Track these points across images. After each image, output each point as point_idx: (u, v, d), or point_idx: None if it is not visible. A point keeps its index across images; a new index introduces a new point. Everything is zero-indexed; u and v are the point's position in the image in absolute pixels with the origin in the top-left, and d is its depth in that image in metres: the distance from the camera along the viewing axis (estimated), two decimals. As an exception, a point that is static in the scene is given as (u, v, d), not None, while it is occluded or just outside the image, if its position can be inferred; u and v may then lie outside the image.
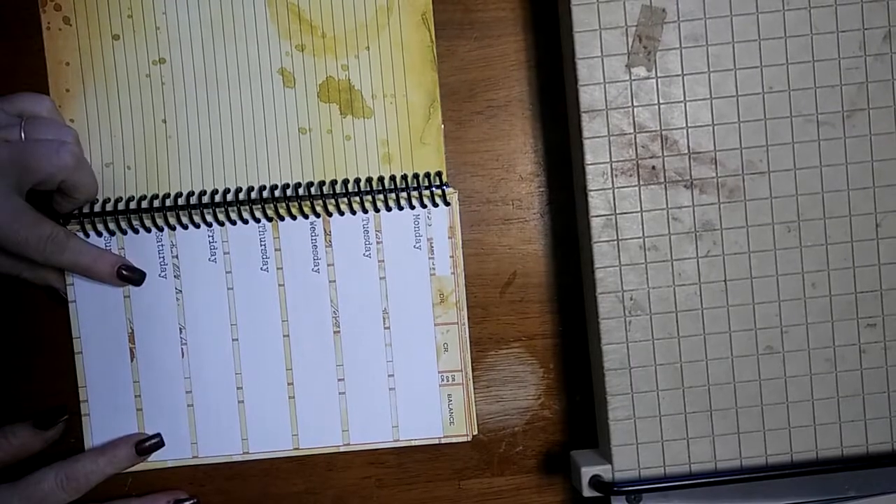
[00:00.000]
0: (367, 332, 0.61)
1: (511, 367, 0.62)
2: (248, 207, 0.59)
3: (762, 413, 0.57)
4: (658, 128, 0.56)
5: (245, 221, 0.60)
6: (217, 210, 0.59)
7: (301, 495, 0.62)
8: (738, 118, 0.56)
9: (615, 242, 0.56)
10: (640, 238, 0.56)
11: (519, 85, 0.61)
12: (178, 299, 0.60)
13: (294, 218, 0.60)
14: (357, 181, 0.60)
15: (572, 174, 0.60)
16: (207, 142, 0.60)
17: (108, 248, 0.59)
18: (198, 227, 0.60)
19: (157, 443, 0.60)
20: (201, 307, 0.60)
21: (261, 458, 0.61)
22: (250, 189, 0.60)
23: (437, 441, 0.61)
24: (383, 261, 0.60)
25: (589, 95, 0.56)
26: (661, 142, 0.56)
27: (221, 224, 0.60)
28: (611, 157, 0.56)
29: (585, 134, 0.56)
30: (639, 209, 0.56)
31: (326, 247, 0.60)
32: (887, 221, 0.56)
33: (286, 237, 0.60)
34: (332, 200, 0.59)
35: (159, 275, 0.60)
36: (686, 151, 0.56)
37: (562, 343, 0.62)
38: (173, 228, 0.59)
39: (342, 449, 0.61)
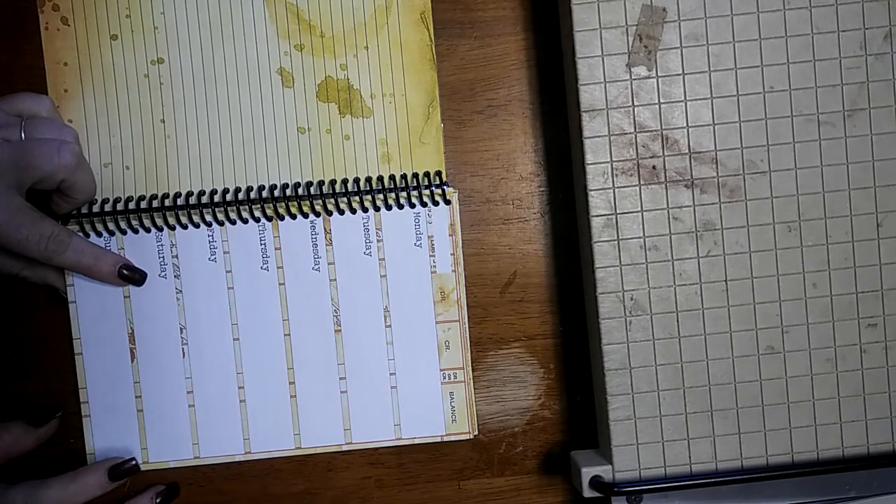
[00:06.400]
0: (369, 330, 0.61)
1: (511, 368, 0.62)
2: (247, 207, 0.59)
3: (763, 413, 0.57)
4: (659, 127, 0.56)
5: (245, 221, 0.59)
6: (217, 210, 0.59)
7: (301, 495, 0.62)
8: (739, 118, 0.56)
9: (616, 242, 0.56)
10: (640, 238, 0.56)
11: (519, 84, 0.61)
12: (178, 299, 0.60)
13: (294, 217, 0.60)
14: (357, 181, 0.60)
15: (572, 174, 0.60)
16: (206, 141, 0.60)
17: (108, 248, 0.59)
18: (198, 226, 0.59)
19: (133, 467, 0.59)
20: (202, 307, 0.60)
21: (262, 458, 0.61)
22: (250, 189, 0.60)
23: (439, 439, 0.61)
24: (384, 259, 0.60)
25: (589, 95, 0.56)
26: (662, 141, 0.56)
27: (221, 224, 0.59)
28: (611, 157, 0.56)
29: (586, 133, 0.56)
30: (639, 209, 0.56)
31: (327, 245, 0.60)
32: (888, 221, 0.56)
33: (286, 236, 0.60)
34: (332, 199, 0.59)
35: (159, 275, 0.60)
36: (687, 151, 0.56)
37: (562, 343, 0.62)
38: (173, 228, 0.59)
39: (344, 448, 0.61)
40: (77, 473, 0.57)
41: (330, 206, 0.59)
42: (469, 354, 0.61)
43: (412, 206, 0.60)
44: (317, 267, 0.60)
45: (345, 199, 0.59)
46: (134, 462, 0.59)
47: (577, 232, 0.61)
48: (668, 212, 0.56)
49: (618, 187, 0.56)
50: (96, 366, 0.60)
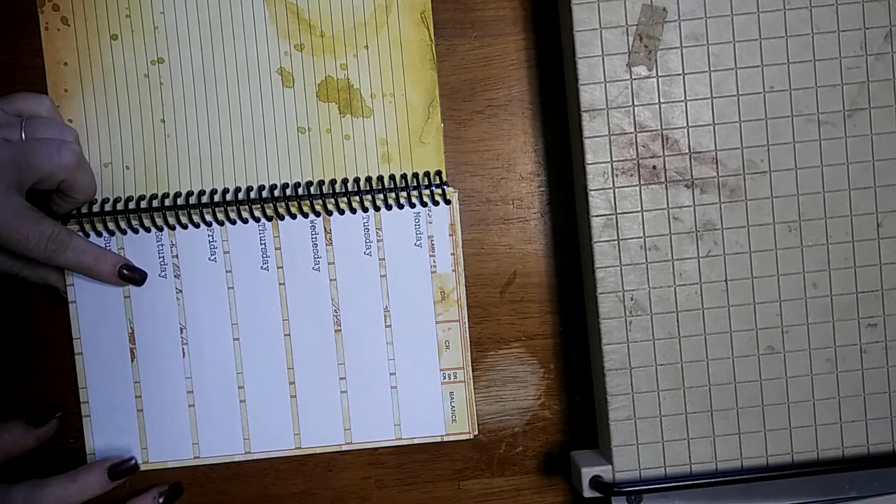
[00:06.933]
0: (369, 330, 0.61)
1: (511, 368, 0.62)
2: (247, 207, 0.59)
3: (763, 413, 0.57)
4: (659, 127, 0.56)
5: (245, 221, 0.59)
6: (217, 210, 0.59)
7: (301, 495, 0.62)
8: (739, 117, 0.56)
9: (616, 242, 0.56)
10: (640, 238, 0.56)
11: (519, 84, 0.61)
12: (178, 299, 0.60)
13: (294, 217, 0.60)
14: (357, 180, 0.60)
15: (572, 174, 0.60)
16: (206, 141, 0.60)
17: (108, 248, 0.59)
18: (198, 226, 0.59)
19: (132, 466, 0.59)
20: (202, 307, 0.60)
21: (262, 458, 0.61)
22: (250, 189, 0.60)
23: (439, 439, 0.61)
24: (384, 259, 0.60)
25: (589, 94, 0.55)
26: (662, 141, 0.56)
27: (221, 223, 0.59)
28: (611, 157, 0.56)
29: (586, 133, 0.56)
30: (639, 209, 0.56)
31: (327, 245, 0.60)
32: (888, 221, 0.56)
33: (286, 236, 0.60)
34: (332, 199, 0.59)
35: (159, 275, 0.60)
36: (687, 151, 0.56)
37: (562, 343, 0.62)
38: (173, 228, 0.59)
39: (344, 448, 0.61)
40: (77, 472, 0.57)
41: (330, 206, 0.59)
42: (469, 354, 0.61)
43: (412, 205, 0.60)
44: (317, 267, 0.60)
45: (345, 199, 0.59)
46: (133, 461, 0.59)
47: (577, 232, 0.61)
48: (669, 212, 0.56)
49: (618, 187, 0.56)
50: (96, 366, 0.60)
